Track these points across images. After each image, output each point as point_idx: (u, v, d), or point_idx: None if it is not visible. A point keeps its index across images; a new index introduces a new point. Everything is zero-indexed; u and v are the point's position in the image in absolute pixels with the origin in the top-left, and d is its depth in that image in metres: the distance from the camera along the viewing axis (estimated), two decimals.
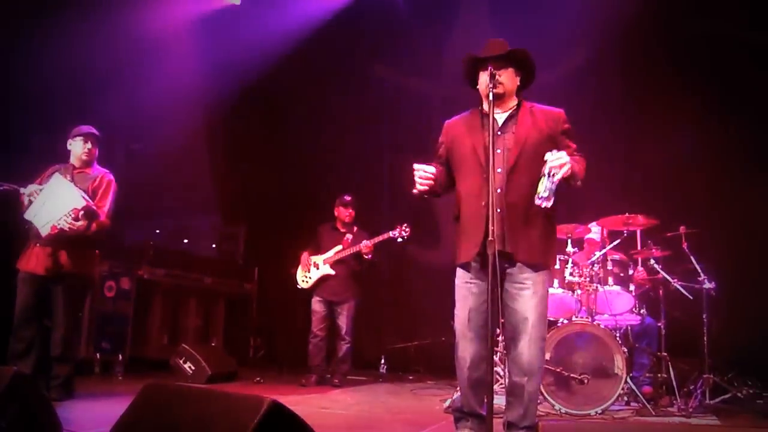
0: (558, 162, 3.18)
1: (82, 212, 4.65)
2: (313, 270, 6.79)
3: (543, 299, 3.44)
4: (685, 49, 7.27)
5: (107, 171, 5.13)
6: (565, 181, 3.25)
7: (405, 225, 6.35)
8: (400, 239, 6.39)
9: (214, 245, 9.04)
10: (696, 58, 7.20)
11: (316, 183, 8.31)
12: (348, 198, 6.93)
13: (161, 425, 2.30)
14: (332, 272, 6.70)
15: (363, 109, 8.50)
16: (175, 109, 8.06)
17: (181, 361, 6.41)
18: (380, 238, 6.50)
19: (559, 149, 3.34)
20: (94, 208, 4.77)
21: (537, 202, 3.20)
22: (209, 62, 8.16)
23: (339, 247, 6.74)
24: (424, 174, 3.43)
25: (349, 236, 6.80)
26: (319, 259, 6.79)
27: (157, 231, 8.49)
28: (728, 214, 6.70)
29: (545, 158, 3.21)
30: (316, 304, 6.79)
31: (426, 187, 3.44)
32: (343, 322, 6.75)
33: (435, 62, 8.35)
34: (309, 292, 6.83)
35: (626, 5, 7.10)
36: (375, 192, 7.67)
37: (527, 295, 3.39)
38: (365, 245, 6.53)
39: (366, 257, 6.62)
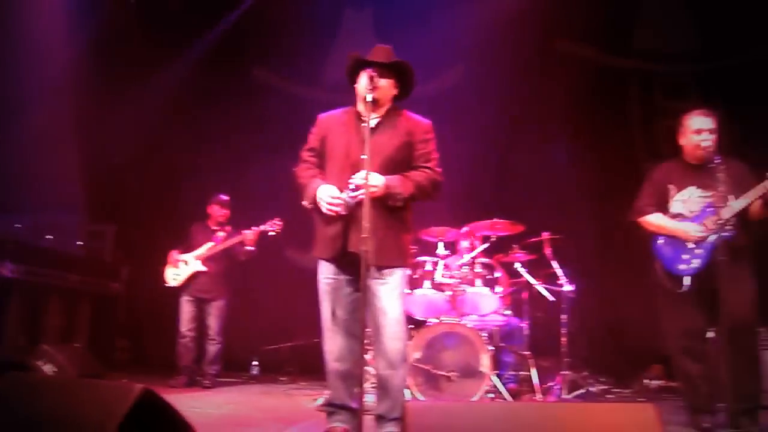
0: (357, 183, 3.39)
1: None
2: (182, 267, 6.67)
3: (401, 295, 3.60)
4: (555, 68, 7.73)
5: None
6: (381, 197, 3.46)
7: (276, 219, 6.37)
8: (272, 233, 6.40)
9: (80, 243, 8.63)
10: (566, 77, 7.67)
11: (189, 181, 8.12)
12: (225, 198, 6.87)
13: (23, 418, 2.21)
14: (203, 269, 6.61)
15: (240, 111, 8.41)
16: (40, 100, 7.67)
17: (41, 363, 6.09)
18: (260, 228, 6.48)
19: (414, 157, 3.60)
20: None
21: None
22: (78, 51, 7.84)
23: (211, 244, 6.66)
24: (333, 201, 3.50)
25: (221, 233, 6.73)
26: (189, 256, 6.67)
27: (17, 226, 8.00)
28: (588, 223, 7.15)
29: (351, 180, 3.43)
30: (185, 304, 6.68)
31: (339, 209, 3.50)
32: (212, 321, 6.67)
33: (317, 69, 8.43)
34: (180, 293, 6.70)
35: (502, 26, 7.48)
36: (248, 192, 7.60)
37: (386, 290, 3.53)
38: (250, 233, 6.47)
39: (248, 248, 6.56)
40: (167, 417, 2.15)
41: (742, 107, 6.84)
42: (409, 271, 5.46)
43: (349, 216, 3.48)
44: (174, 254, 6.76)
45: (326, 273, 3.65)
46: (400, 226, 3.64)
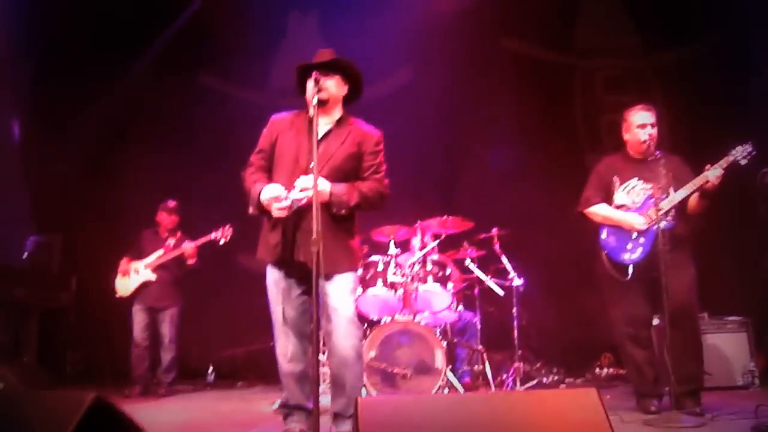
0: (302, 185, 3.43)
1: None
2: (133, 276, 6.60)
3: (352, 292, 3.65)
4: (501, 66, 7.87)
5: None
6: (326, 204, 3.50)
7: (228, 226, 6.35)
8: (223, 240, 6.37)
9: (27, 254, 8.42)
10: (511, 74, 7.82)
11: (138, 188, 8.00)
12: (172, 204, 6.80)
13: None
14: (153, 277, 6.55)
15: (188, 116, 8.32)
16: None
17: None
18: (202, 240, 6.46)
19: (362, 168, 3.65)
20: None
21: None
22: (22, 61, 7.68)
23: (161, 252, 6.60)
24: (279, 199, 3.52)
25: (171, 240, 6.68)
26: (139, 264, 6.60)
27: None
28: (536, 217, 7.27)
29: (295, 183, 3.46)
30: (138, 313, 6.59)
31: (285, 207, 3.52)
32: (166, 329, 6.60)
33: (263, 75, 8.41)
34: (131, 302, 6.62)
35: (447, 25, 7.59)
36: (199, 199, 7.53)
37: (335, 289, 3.57)
38: (189, 246, 6.44)
39: (190, 262, 6.54)
40: (121, 424, 2.15)
41: (678, 102, 7.09)
42: (360, 271, 5.52)
43: (294, 224, 3.51)
44: (124, 262, 6.68)
45: (275, 276, 3.68)
46: (345, 234, 3.68)
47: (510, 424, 1.95)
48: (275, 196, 3.49)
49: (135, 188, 7.97)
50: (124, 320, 6.75)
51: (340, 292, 3.57)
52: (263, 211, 3.60)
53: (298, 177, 3.51)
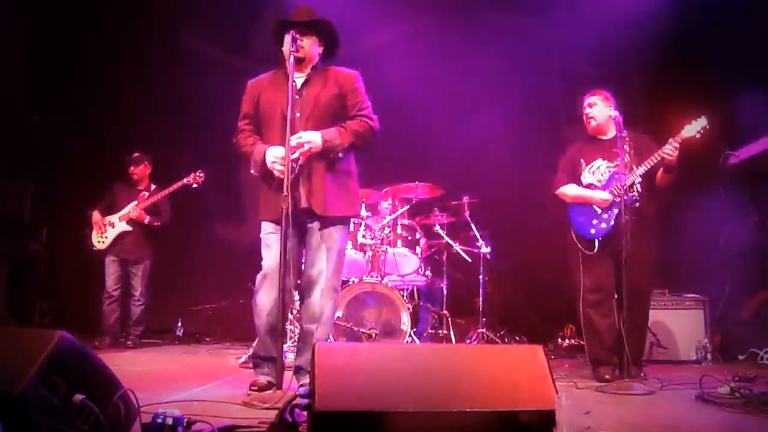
0: (298, 141, 3.48)
1: None
2: (109, 229, 6.62)
3: (339, 253, 3.71)
4: (481, 35, 7.86)
5: None
6: (324, 152, 3.57)
7: (199, 171, 6.39)
8: (195, 185, 6.41)
9: None
10: (491, 42, 7.82)
11: (116, 142, 7.93)
12: (136, 155, 6.85)
13: None
14: (129, 228, 6.59)
15: (167, 74, 8.22)
16: None
17: None
18: (174, 186, 6.51)
19: (347, 107, 3.70)
20: None
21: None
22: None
23: (135, 203, 6.62)
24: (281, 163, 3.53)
25: (145, 193, 6.70)
26: (114, 217, 6.62)
27: None
28: (507, 189, 7.36)
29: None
30: (111, 264, 6.64)
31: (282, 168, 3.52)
32: (138, 282, 6.66)
33: (246, 35, 8.32)
34: (104, 253, 6.65)
35: None
36: (178, 157, 7.52)
37: (324, 248, 3.64)
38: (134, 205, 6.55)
39: (145, 221, 6.61)
40: (88, 363, 2.21)
41: (658, 81, 7.15)
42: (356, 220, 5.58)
43: (295, 176, 3.56)
44: (95, 215, 6.68)
45: (269, 229, 3.71)
46: (345, 176, 3.75)
47: (459, 372, 2.05)
48: (281, 156, 3.50)
49: (112, 142, 7.93)
50: (95, 272, 6.78)
51: (331, 251, 3.65)
52: (266, 171, 3.63)
53: (288, 129, 3.55)
